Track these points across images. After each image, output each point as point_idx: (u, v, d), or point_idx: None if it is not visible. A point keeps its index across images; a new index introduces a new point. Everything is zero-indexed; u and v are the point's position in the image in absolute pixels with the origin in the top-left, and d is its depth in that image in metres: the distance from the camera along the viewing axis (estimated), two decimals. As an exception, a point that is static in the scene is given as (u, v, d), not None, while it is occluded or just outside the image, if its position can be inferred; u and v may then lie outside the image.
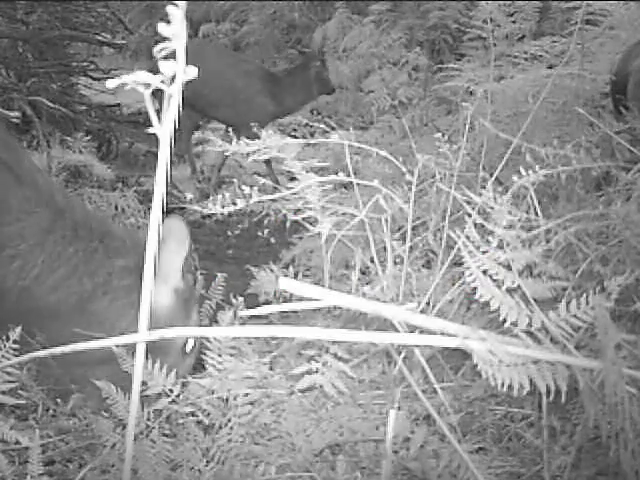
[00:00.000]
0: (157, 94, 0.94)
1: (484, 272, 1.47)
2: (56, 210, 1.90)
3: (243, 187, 2.03)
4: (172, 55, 0.91)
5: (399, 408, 1.80)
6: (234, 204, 2.03)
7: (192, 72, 0.92)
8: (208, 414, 1.83)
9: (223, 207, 2.04)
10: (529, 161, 1.94)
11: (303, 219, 2.14)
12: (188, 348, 2.05)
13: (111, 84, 0.92)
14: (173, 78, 0.91)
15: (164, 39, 0.89)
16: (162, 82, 0.91)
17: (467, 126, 2.38)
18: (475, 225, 1.62)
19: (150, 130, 0.96)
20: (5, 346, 1.69)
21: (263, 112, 5.57)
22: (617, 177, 2.24)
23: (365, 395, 2.01)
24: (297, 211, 2.14)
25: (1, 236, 1.84)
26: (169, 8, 0.87)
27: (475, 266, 1.47)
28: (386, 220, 2.10)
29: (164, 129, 0.95)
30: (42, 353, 1.41)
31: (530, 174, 1.78)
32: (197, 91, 5.41)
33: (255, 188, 2.06)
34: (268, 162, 5.33)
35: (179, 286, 1.98)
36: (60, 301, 1.89)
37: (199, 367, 2.07)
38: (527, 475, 1.72)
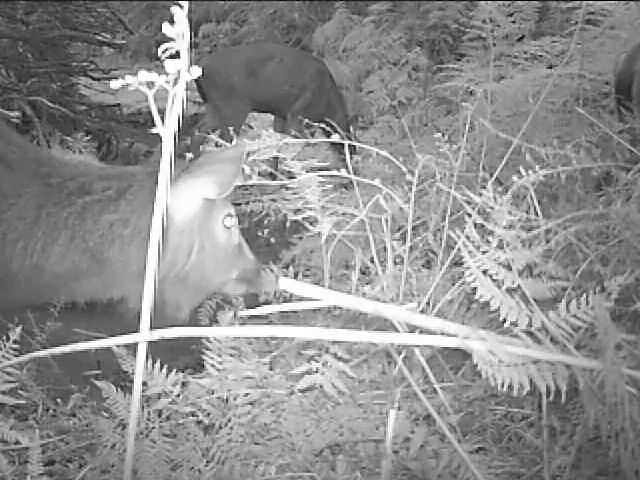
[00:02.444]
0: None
1: (484, 272, 1.47)
2: (45, 181, 1.92)
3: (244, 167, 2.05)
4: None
5: (399, 408, 1.80)
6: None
7: (196, 72, 0.92)
8: (208, 414, 1.83)
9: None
10: (529, 161, 1.94)
11: (303, 219, 2.14)
12: (228, 223, 2.06)
13: (115, 85, 0.92)
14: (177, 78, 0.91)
15: (166, 39, 0.89)
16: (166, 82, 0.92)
17: (467, 126, 2.39)
18: (475, 225, 1.62)
19: (153, 130, 0.96)
20: (5, 346, 1.70)
21: (317, 108, 5.77)
22: (617, 177, 2.24)
23: (365, 395, 2.01)
24: (297, 211, 2.14)
25: (3, 224, 1.87)
26: (173, 8, 0.87)
27: (475, 266, 1.47)
28: (386, 220, 2.10)
29: (167, 129, 0.95)
30: (42, 353, 1.41)
31: (530, 174, 1.78)
32: (277, 87, 5.75)
33: (256, 170, 2.07)
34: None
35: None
36: (74, 264, 1.92)
37: (199, 367, 2.07)
38: (527, 475, 1.72)
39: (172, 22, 0.89)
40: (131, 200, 1.91)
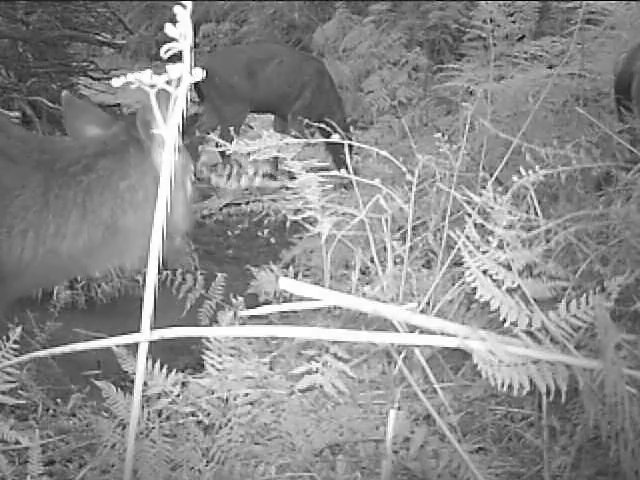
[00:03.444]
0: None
1: (484, 272, 1.47)
2: (48, 168, 1.95)
3: (248, 169, 2.05)
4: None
5: (399, 408, 1.80)
6: (238, 181, 2.05)
7: (198, 74, 0.92)
8: (208, 414, 1.83)
9: (229, 178, 2.07)
10: (529, 161, 1.94)
11: (303, 219, 2.13)
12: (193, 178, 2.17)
13: (116, 83, 0.92)
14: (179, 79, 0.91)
15: (167, 39, 0.89)
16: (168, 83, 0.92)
17: (467, 126, 2.38)
18: (475, 225, 1.62)
19: (155, 131, 0.96)
20: (5, 346, 1.70)
21: (317, 108, 5.79)
22: (617, 177, 2.24)
23: (365, 395, 2.01)
24: (297, 211, 2.14)
25: (8, 217, 1.89)
26: (176, 9, 0.87)
27: (475, 266, 1.47)
28: (386, 220, 2.10)
29: (169, 130, 0.95)
30: (42, 353, 1.41)
31: (530, 174, 1.78)
32: (276, 88, 5.79)
33: (259, 171, 2.07)
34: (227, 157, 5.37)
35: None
36: (89, 239, 1.97)
37: (199, 367, 2.07)
38: (527, 475, 1.72)
39: (174, 22, 0.89)
40: (135, 166, 1.98)
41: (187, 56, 0.91)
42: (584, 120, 2.76)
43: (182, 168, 2.09)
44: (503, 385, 1.26)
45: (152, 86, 0.92)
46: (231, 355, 1.90)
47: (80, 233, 1.95)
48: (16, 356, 1.67)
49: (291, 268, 2.68)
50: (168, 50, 0.89)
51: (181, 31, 0.88)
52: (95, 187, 1.95)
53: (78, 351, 1.28)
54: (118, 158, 1.99)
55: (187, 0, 0.89)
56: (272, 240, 3.89)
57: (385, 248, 2.13)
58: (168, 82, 0.92)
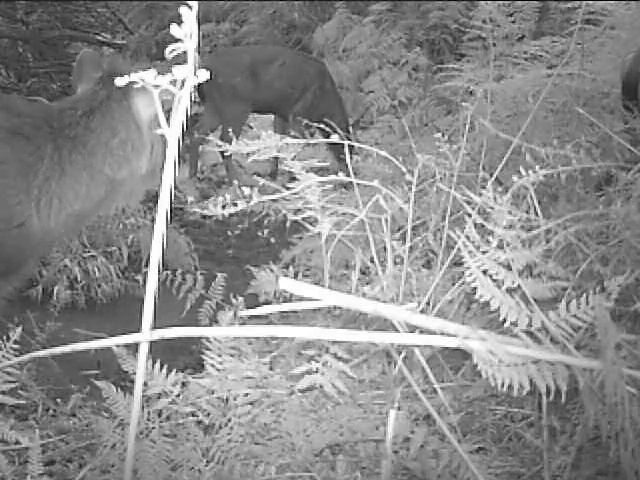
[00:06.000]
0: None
1: (484, 272, 1.47)
2: (57, 136, 2.07)
3: (243, 188, 2.04)
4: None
5: (399, 408, 1.80)
6: (235, 205, 2.04)
7: (203, 75, 0.92)
8: (208, 414, 1.83)
9: (224, 207, 2.05)
10: (529, 161, 1.94)
11: (303, 219, 2.13)
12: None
13: (120, 82, 0.92)
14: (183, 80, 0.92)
15: (167, 39, 0.89)
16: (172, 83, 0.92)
17: (467, 126, 2.38)
18: (475, 225, 1.62)
19: (159, 131, 0.96)
20: (5, 346, 1.70)
21: (319, 109, 5.81)
22: (617, 177, 2.23)
23: (365, 395, 2.01)
24: (297, 211, 2.14)
25: (34, 191, 2.01)
26: (182, 9, 0.87)
27: (475, 266, 1.47)
28: (386, 220, 2.10)
29: (173, 130, 0.95)
30: (42, 353, 1.41)
31: (530, 174, 1.77)
32: (278, 89, 5.82)
33: (255, 189, 2.07)
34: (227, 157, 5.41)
35: None
36: (97, 195, 2.14)
37: (199, 367, 2.07)
38: (527, 475, 1.72)
39: (174, 22, 0.89)
40: (120, 118, 2.12)
41: (191, 56, 0.91)
42: (584, 120, 2.76)
43: (156, 111, 2.16)
44: (503, 385, 1.25)
45: (156, 86, 0.92)
46: (231, 355, 1.90)
47: (89, 192, 2.10)
48: (16, 356, 1.67)
49: (291, 268, 2.68)
50: (173, 50, 0.89)
51: (186, 31, 0.88)
52: (96, 146, 2.09)
53: (78, 351, 1.28)
54: (104, 113, 2.10)
55: (189, 0, 0.89)
56: (272, 240, 3.89)
57: (385, 248, 2.13)
58: (172, 82, 0.92)
